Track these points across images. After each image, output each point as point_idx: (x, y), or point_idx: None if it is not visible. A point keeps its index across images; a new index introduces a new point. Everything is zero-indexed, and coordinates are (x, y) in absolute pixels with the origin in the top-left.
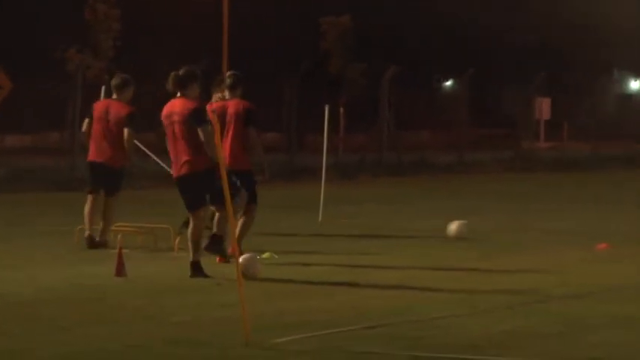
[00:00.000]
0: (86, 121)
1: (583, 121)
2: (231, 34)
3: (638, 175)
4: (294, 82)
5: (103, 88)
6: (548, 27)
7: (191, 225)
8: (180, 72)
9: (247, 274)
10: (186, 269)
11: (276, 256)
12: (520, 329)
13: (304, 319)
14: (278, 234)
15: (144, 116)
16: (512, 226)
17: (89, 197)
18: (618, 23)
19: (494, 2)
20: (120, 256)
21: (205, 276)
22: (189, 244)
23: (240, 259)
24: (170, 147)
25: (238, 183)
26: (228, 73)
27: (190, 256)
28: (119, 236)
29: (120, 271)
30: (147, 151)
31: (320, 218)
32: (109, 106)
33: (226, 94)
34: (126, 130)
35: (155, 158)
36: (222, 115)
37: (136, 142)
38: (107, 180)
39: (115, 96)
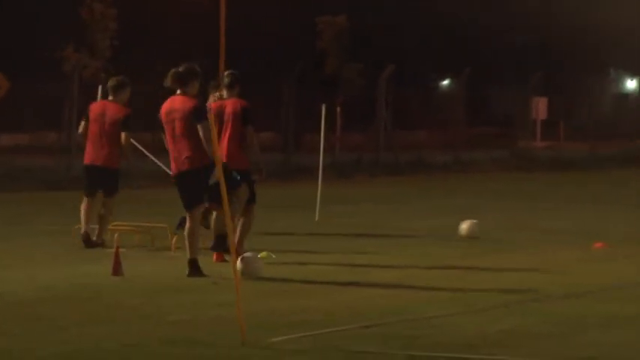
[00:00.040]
0: (82, 123)
1: (579, 121)
2: (227, 33)
3: (635, 175)
4: (291, 82)
5: (100, 87)
6: (545, 27)
7: (188, 223)
8: (181, 69)
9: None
10: (182, 268)
11: (274, 256)
12: (516, 328)
13: (301, 319)
14: (275, 233)
15: (140, 116)
16: (508, 225)
17: (86, 199)
18: (614, 23)
19: (492, 2)
20: (117, 255)
21: (203, 275)
22: (187, 242)
23: (244, 259)
24: (170, 144)
25: (239, 177)
26: (226, 73)
27: (188, 255)
28: (116, 235)
29: (117, 270)
30: (144, 151)
31: (317, 217)
32: (105, 107)
33: (224, 93)
34: (123, 134)
35: (152, 158)
36: (219, 114)
37: (133, 141)
38: (105, 181)
39: (111, 97)
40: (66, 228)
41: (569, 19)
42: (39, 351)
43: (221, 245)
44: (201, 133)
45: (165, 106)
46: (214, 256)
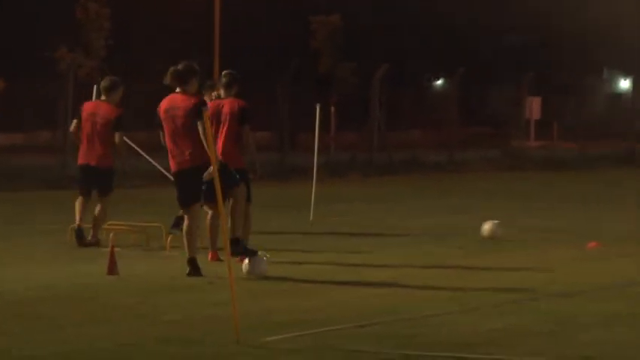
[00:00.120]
0: (74, 122)
1: (573, 121)
2: (222, 32)
3: (628, 174)
4: (285, 81)
5: (95, 87)
6: (539, 27)
7: (186, 222)
8: (180, 67)
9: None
10: (178, 268)
11: (268, 255)
12: (511, 327)
13: (296, 318)
14: (269, 233)
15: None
16: (502, 225)
17: (80, 197)
18: (608, 23)
19: (486, 2)
20: (112, 254)
21: (201, 275)
22: (185, 241)
23: (247, 259)
24: (169, 141)
25: (237, 176)
26: (224, 72)
27: (187, 254)
28: (111, 235)
29: (112, 269)
30: (139, 150)
31: (311, 217)
32: (97, 107)
33: (221, 92)
34: (117, 134)
35: (147, 157)
36: (217, 113)
37: (126, 140)
38: (99, 181)
39: (103, 97)
40: (64, 227)
41: (563, 19)
42: (37, 350)
43: (236, 249)
44: (200, 131)
45: (164, 103)
46: (209, 255)
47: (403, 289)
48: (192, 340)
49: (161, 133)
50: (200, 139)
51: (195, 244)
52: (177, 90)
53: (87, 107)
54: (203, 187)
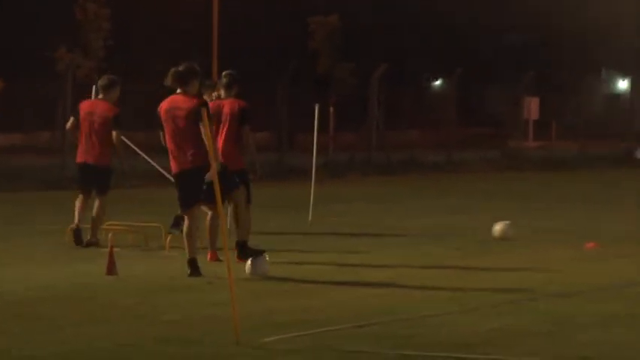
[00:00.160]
0: (71, 119)
1: (571, 121)
2: (221, 34)
3: (626, 175)
4: (284, 82)
5: (94, 87)
6: (538, 27)
7: (186, 222)
8: (181, 68)
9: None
10: (177, 268)
11: (267, 256)
12: (509, 327)
13: (294, 318)
14: (268, 233)
15: (134, 115)
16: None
17: (80, 196)
18: (606, 23)
19: (488, 1)
20: (111, 254)
21: (200, 275)
22: (185, 242)
23: (250, 259)
24: (170, 142)
25: (237, 179)
26: (224, 73)
27: (187, 254)
28: (110, 235)
29: (111, 269)
30: (137, 149)
31: (310, 217)
32: (94, 106)
33: (221, 93)
34: (114, 133)
35: (145, 157)
36: (217, 114)
37: (124, 139)
38: (97, 179)
39: (101, 96)
40: (63, 227)
41: (561, 19)
42: (37, 350)
43: (243, 252)
44: (203, 132)
45: (165, 104)
46: (208, 255)
47: (401, 290)
48: (192, 341)
49: (161, 133)
50: (202, 139)
51: (196, 245)
52: (178, 91)
53: (84, 106)
54: (204, 188)
